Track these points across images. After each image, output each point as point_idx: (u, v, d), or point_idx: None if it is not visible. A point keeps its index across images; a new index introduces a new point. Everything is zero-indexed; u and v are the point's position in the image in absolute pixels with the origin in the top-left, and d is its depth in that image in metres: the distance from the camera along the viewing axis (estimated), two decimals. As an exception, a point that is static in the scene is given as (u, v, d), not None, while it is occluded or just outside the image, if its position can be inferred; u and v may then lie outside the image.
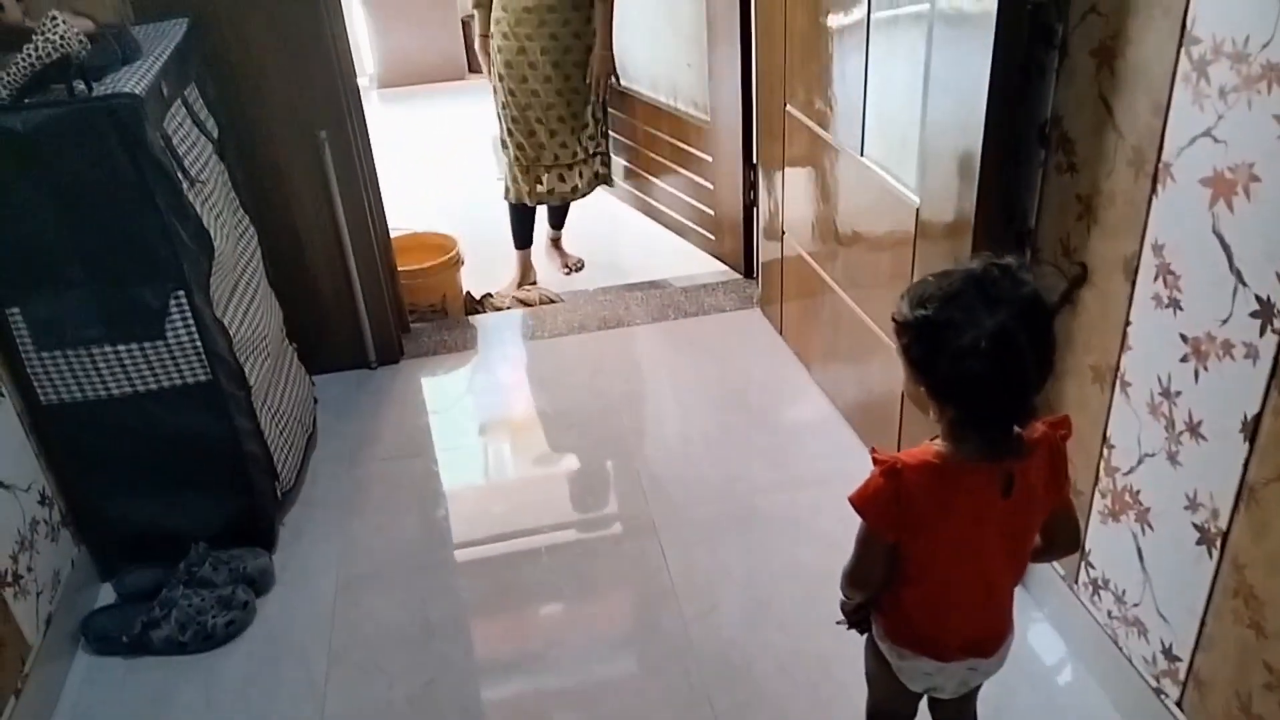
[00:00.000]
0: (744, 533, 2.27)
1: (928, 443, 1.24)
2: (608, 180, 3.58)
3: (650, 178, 3.86)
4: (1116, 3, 1.49)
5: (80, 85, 1.86)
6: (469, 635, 2.09)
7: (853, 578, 1.31)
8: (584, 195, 3.51)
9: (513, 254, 3.63)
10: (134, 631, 2.03)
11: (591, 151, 3.44)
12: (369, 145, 2.83)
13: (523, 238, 3.58)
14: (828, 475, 2.43)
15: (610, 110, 3.93)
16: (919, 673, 1.33)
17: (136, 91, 1.87)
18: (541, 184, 3.41)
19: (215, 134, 2.32)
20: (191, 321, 2.02)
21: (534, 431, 2.79)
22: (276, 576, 2.23)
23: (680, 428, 2.71)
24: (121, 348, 2.01)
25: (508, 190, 3.46)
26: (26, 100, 1.85)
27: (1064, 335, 1.68)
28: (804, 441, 2.59)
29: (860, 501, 1.23)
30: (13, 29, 1.94)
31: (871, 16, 2.08)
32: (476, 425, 2.83)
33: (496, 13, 3.21)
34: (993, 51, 1.62)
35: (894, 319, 1.17)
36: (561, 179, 3.41)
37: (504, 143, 3.40)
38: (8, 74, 1.83)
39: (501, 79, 3.26)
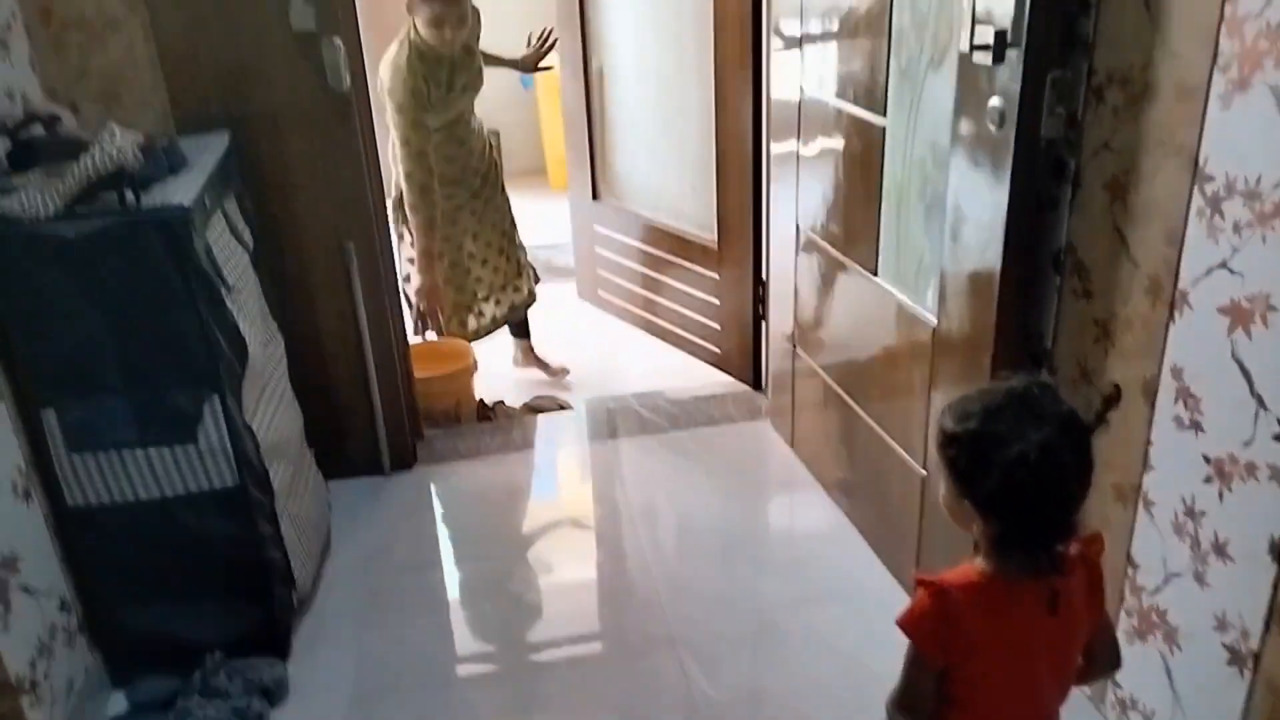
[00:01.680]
0: (766, 649, 2.26)
1: (967, 563, 1.26)
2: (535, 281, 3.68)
3: (646, 293, 3.92)
4: (1128, 141, 1.59)
5: (131, 196, 1.94)
6: (487, 750, 2.06)
7: (902, 703, 1.29)
8: (530, 303, 3.62)
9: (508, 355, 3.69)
10: (146, 742, 2.00)
11: (523, 262, 3.57)
12: (392, 256, 2.91)
13: None
14: (846, 590, 2.44)
15: (601, 229, 4.04)
16: (967, 794, 1.32)
17: (185, 204, 1.94)
18: (484, 316, 3.46)
19: (250, 244, 2.39)
20: (223, 426, 2.05)
21: (549, 541, 2.80)
22: (291, 687, 2.19)
23: (696, 539, 2.72)
24: (153, 451, 2.03)
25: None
26: (78, 209, 1.92)
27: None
28: (819, 555, 2.60)
29: (908, 624, 1.23)
30: (71, 140, 2.03)
31: (886, 144, 2.19)
32: (490, 534, 2.83)
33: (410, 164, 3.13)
34: (1010, 182, 1.72)
35: (941, 430, 1.20)
36: (516, 290, 3.52)
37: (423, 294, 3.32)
38: (63, 184, 1.90)
39: (432, 224, 3.24)
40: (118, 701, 2.15)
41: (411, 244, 3.28)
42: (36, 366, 1.95)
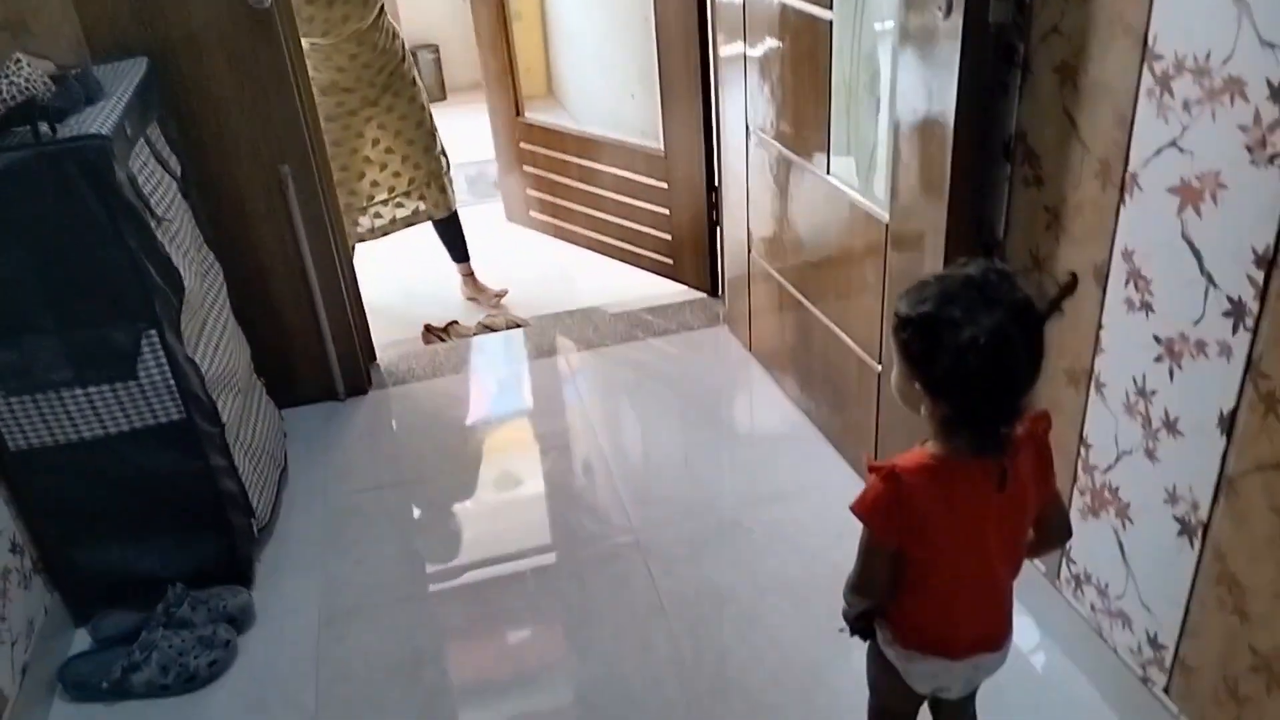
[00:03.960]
0: (729, 548, 2.29)
1: (919, 446, 1.27)
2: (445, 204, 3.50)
3: (586, 210, 3.84)
4: (1078, 23, 1.56)
5: (45, 127, 1.84)
6: (460, 663, 2.08)
7: (858, 586, 1.33)
8: (440, 216, 3.49)
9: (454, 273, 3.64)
10: (113, 676, 1.99)
11: (436, 172, 3.42)
12: (331, 178, 2.82)
13: None
14: (806, 487, 2.47)
15: (528, 146, 3.92)
16: (927, 674, 1.36)
17: (103, 132, 1.85)
18: (381, 218, 3.39)
19: (179, 172, 2.30)
20: (164, 360, 1.99)
21: (510, 456, 2.79)
22: (257, 614, 2.19)
23: (657, 446, 2.73)
24: (93, 389, 1.97)
25: None
26: (-9, 144, 1.82)
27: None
28: (780, 455, 2.63)
29: (862, 509, 1.25)
30: (-26, 71, 1.91)
31: (834, 39, 2.14)
32: (450, 453, 2.81)
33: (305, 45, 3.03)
34: (958, 71, 1.68)
35: (896, 314, 1.20)
36: (422, 198, 3.41)
37: None
38: (-30, 117, 1.80)
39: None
40: (82, 639, 2.14)
41: None
42: (-38, 310, 1.88)
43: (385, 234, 3.44)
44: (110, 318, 1.93)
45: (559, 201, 3.93)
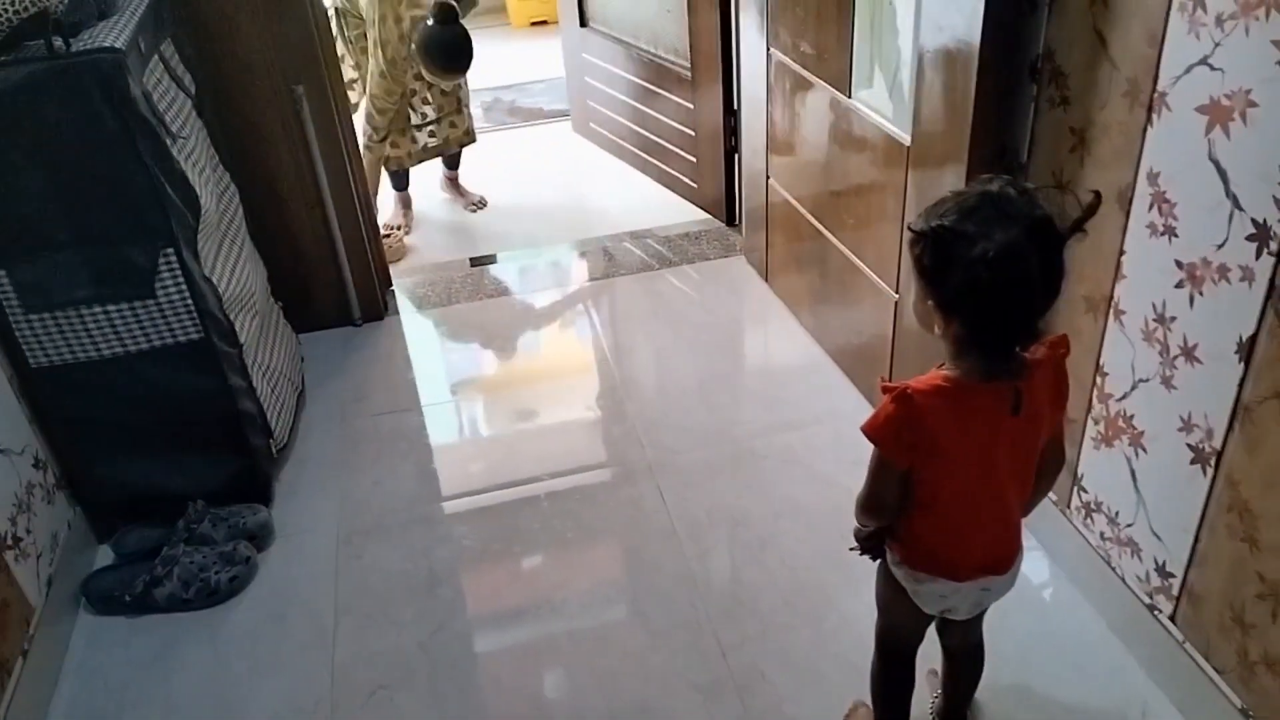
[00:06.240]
0: (741, 473, 2.31)
1: (935, 369, 1.26)
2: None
3: (631, 125, 3.83)
4: (1110, -66, 1.51)
5: (59, 41, 1.82)
6: (475, 582, 2.11)
7: (868, 506, 1.33)
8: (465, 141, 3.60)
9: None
10: (136, 590, 2.03)
11: (463, 100, 3.53)
12: (347, 100, 2.79)
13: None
14: (820, 415, 2.47)
15: (589, 57, 3.89)
16: (935, 595, 1.37)
17: (118, 46, 1.83)
18: (416, 144, 3.49)
19: (193, 90, 2.28)
20: (181, 279, 2.00)
21: (525, 383, 2.80)
22: (276, 532, 2.23)
23: (672, 375, 2.73)
24: (111, 308, 1.98)
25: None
26: (2, 58, 1.80)
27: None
28: (794, 384, 2.62)
29: (873, 430, 1.25)
30: (-15, -18, 1.88)
31: (858, -45, 2.08)
32: (466, 378, 2.83)
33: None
34: (986, -12, 1.64)
35: (910, 228, 1.18)
36: (453, 126, 3.52)
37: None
38: (-18, 29, 1.78)
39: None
40: (105, 554, 2.19)
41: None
42: (-19, 226, 1.88)
43: (420, 161, 3.53)
44: (128, 235, 1.93)
45: (612, 115, 3.95)
